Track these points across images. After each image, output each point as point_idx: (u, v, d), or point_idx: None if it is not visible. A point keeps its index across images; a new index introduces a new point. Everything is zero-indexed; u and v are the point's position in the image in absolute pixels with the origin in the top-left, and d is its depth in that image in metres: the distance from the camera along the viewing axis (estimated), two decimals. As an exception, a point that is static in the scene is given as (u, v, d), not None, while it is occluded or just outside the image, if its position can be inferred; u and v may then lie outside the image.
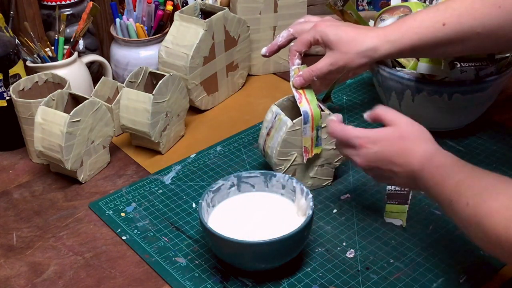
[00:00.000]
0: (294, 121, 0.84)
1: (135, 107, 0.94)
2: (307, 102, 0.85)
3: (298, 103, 0.84)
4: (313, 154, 0.87)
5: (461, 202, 0.63)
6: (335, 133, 0.76)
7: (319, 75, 0.83)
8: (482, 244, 0.62)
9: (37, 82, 0.98)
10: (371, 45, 0.81)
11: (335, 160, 0.89)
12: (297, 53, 0.86)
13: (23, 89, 0.96)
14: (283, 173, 0.85)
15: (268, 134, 0.87)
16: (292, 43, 0.87)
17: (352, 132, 0.74)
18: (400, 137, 0.72)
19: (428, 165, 0.69)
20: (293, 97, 0.86)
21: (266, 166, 0.96)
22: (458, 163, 0.68)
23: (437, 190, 0.67)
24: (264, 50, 0.91)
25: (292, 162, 0.87)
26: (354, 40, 0.81)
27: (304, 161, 0.87)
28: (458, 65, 0.89)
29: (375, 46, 0.81)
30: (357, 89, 1.15)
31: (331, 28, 0.83)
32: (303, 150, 0.86)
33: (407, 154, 0.71)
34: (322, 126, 0.85)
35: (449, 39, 0.79)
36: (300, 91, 0.86)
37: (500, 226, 0.58)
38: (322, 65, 0.83)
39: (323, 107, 0.86)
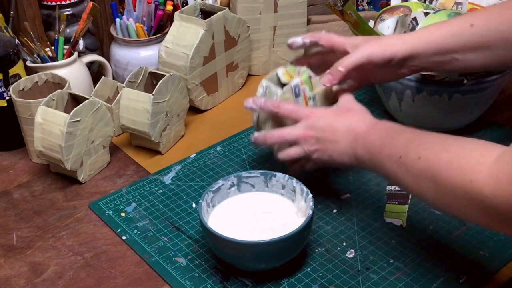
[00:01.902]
0: (284, 88, 0.84)
1: (135, 107, 0.94)
2: (298, 76, 0.85)
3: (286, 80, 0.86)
4: None
5: (411, 156, 0.64)
6: (284, 106, 0.81)
7: (347, 66, 0.80)
8: (436, 197, 0.63)
9: (37, 82, 0.98)
10: (398, 39, 0.82)
11: None
12: (317, 43, 0.86)
13: (23, 89, 0.96)
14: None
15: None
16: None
17: (302, 107, 0.82)
18: (346, 109, 0.79)
19: (373, 129, 0.73)
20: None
21: (266, 166, 0.96)
22: (402, 126, 0.72)
23: (383, 150, 0.69)
24: (299, 40, 0.87)
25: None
26: (382, 38, 0.85)
27: None
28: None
29: (403, 40, 0.80)
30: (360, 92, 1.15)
31: (361, 38, 0.86)
32: None
33: (351, 121, 0.76)
34: (314, 95, 0.85)
35: (476, 42, 0.78)
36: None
37: (457, 176, 0.59)
38: (349, 57, 0.81)
39: (313, 75, 0.85)
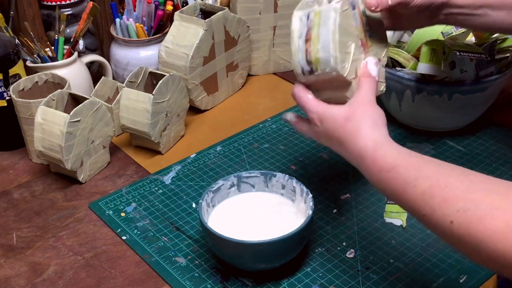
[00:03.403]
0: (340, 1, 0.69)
1: (135, 107, 0.94)
2: None
3: None
4: (369, 46, 0.73)
5: (439, 219, 0.56)
6: (299, 99, 0.73)
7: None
8: (485, 262, 0.54)
9: (37, 82, 0.98)
10: None
11: (383, 55, 0.76)
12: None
13: (23, 89, 0.96)
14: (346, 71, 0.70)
15: (307, 40, 0.70)
16: None
17: (309, 104, 0.72)
18: (345, 118, 0.68)
19: (371, 165, 0.64)
20: None
21: (266, 166, 0.96)
22: (410, 160, 0.62)
23: (398, 200, 0.61)
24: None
25: (352, 56, 0.70)
26: None
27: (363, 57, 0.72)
28: (458, 53, 0.88)
29: None
30: (357, 89, 1.15)
31: None
32: (359, 43, 0.71)
33: (349, 141, 0.67)
34: (364, 9, 0.72)
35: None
36: None
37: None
38: None
39: None
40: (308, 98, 0.72)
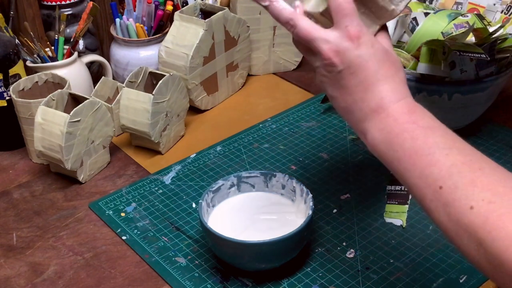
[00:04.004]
0: None
1: (135, 107, 0.94)
2: None
3: None
4: None
5: (458, 197, 0.50)
6: (298, 28, 0.60)
7: None
8: (473, 254, 0.50)
9: (37, 82, 0.98)
10: None
11: None
12: None
13: (23, 89, 0.96)
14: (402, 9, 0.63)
15: None
16: None
17: (319, 32, 0.59)
18: (392, 61, 0.59)
19: (407, 113, 0.56)
20: None
21: (266, 166, 0.96)
22: (448, 131, 0.55)
23: (414, 157, 0.54)
24: None
25: None
26: None
27: None
28: (458, 53, 0.88)
29: None
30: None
31: None
32: None
33: (387, 83, 0.58)
34: None
35: None
36: None
37: None
38: None
39: None
40: (315, 26, 0.60)
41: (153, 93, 0.94)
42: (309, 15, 0.63)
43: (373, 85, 0.58)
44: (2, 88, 0.97)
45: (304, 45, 0.62)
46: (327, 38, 0.59)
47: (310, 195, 0.77)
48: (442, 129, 0.56)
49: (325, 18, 0.63)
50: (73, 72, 1.03)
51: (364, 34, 0.59)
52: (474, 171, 0.51)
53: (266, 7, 0.63)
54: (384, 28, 0.64)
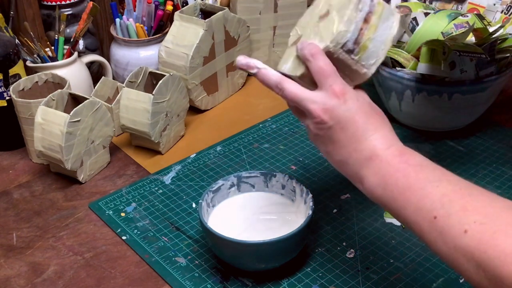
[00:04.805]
0: (397, 11, 0.68)
1: (135, 107, 0.94)
2: None
3: None
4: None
5: (452, 223, 0.52)
6: (319, 60, 0.63)
7: None
8: (485, 280, 0.50)
9: (37, 82, 0.98)
10: None
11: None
12: None
13: (23, 89, 0.96)
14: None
15: (366, 20, 0.64)
16: None
17: (305, 93, 0.64)
18: (378, 112, 0.64)
19: (398, 156, 0.59)
20: None
21: (266, 166, 0.96)
22: (436, 166, 0.59)
23: (408, 195, 0.57)
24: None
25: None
26: None
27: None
28: (458, 53, 0.88)
29: None
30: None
31: None
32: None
33: (375, 133, 0.62)
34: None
35: None
36: None
37: None
38: None
39: None
40: (302, 89, 0.65)
41: (153, 93, 0.94)
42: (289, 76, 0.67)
43: (364, 135, 0.62)
44: (2, 88, 0.97)
45: (294, 106, 0.67)
46: (314, 99, 0.63)
47: (310, 195, 0.77)
48: (431, 165, 0.60)
49: (303, 81, 0.67)
50: (73, 72, 1.03)
51: (348, 91, 0.63)
52: (463, 197, 0.54)
53: (255, 74, 0.69)
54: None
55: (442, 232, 0.53)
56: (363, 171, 0.62)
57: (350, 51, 0.65)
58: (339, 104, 0.62)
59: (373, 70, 0.67)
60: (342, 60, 0.65)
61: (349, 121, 0.62)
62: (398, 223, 0.84)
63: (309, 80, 0.66)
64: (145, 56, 1.12)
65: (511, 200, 0.54)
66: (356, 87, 0.67)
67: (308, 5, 1.19)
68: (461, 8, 1.01)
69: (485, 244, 0.50)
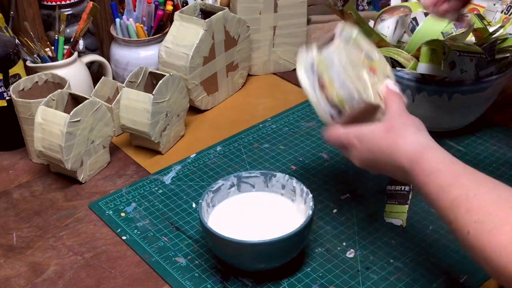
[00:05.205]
0: (339, 35, 0.71)
1: (135, 107, 0.94)
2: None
3: None
4: (376, 69, 0.74)
5: (460, 228, 0.57)
6: (327, 138, 0.74)
7: None
8: (492, 274, 0.55)
9: (37, 82, 0.98)
10: None
11: (388, 71, 0.75)
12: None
13: (23, 89, 0.96)
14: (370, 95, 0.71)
15: (321, 87, 0.71)
16: None
17: (340, 131, 0.71)
18: (386, 130, 0.67)
19: (416, 168, 0.63)
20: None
21: (266, 166, 0.96)
22: (451, 168, 0.62)
23: (432, 203, 0.62)
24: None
25: (369, 81, 0.72)
26: None
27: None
28: (458, 53, 0.88)
29: None
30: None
31: None
32: (368, 69, 0.72)
33: (394, 151, 0.66)
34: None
35: None
36: None
37: None
38: None
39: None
40: (337, 129, 0.72)
41: (153, 93, 0.94)
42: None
43: (390, 166, 0.69)
44: (2, 88, 0.97)
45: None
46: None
47: (310, 195, 0.77)
48: (444, 167, 0.62)
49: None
50: (73, 72, 1.03)
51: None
52: (468, 199, 0.57)
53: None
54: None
55: (456, 235, 0.58)
56: (408, 179, 0.67)
57: (340, 113, 0.71)
58: (358, 151, 0.71)
59: (370, 95, 0.70)
60: (347, 120, 0.71)
61: (372, 160, 0.70)
62: (398, 223, 0.84)
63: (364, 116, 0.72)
64: (145, 56, 1.12)
65: None
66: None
67: (308, 5, 1.20)
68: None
69: (483, 241, 0.53)
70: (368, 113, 0.71)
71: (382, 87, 0.72)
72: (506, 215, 0.53)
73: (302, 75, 0.73)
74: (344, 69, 0.69)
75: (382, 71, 0.74)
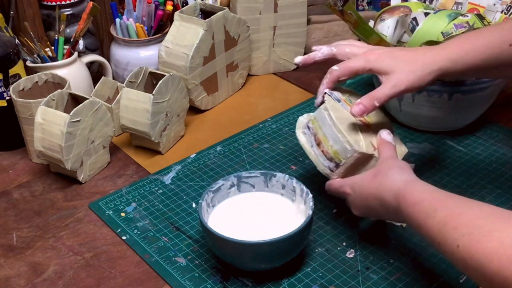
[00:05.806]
0: (326, 97, 0.79)
1: (135, 107, 0.94)
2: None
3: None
4: (370, 122, 0.81)
5: (449, 244, 0.58)
6: (327, 190, 0.81)
7: (383, 101, 0.75)
8: (483, 282, 0.56)
9: (37, 82, 0.98)
10: (432, 64, 0.75)
11: (387, 126, 0.82)
12: (337, 79, 0.79)
13: (23, 89, 0.96)
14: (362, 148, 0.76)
15: (318, 144, 0.79)
16: (335, 67, 0.79)
17: (337, 183, 0.78)
18: (373, 175, 0.73)
19: (403, 201, 0.67)
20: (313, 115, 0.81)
21: (266, 166, 0.96)
22: (434, 195, 0.64)
23: (421, 232, 0.64)
24: (299, 60, 0.84)
25: (361, 133, 0.78)
26: (414, 60, 0.75)
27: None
28: None
29: (437, 65, 0.75)
30: (357, 89, 1.15)
31: (385, 55, 0.77)
32: (360, 122, 0.79)
33: (381, 191, 0.70)
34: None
35: None
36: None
37: (506, 269, 0.52)
38: (384, 90, 0.75)
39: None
40: (334, 181, 0.79)
41: (153, 93, 0.94)
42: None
43: (380, 207, 0.73)
44: (2, 88, 0.97)
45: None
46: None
47: (310, 195, 0.77)
48: (428, 195, 0.65)
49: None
50: (73, 72, 1.03)
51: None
52: (454, 218, 0.59)
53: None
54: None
55: (446, 254, 0.60)
56: (399, 218, 0.70)
57: (337, 165, 0.77)
58: (352, 198, 0.77)
59: (363, 146, 0.76)
60: (346, 170, 0.77)
61: (364, 206, 0.75)
62: (398, 223, 0.84)
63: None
64: (145, 56, 1.12)
65: (500, 208, 0.58)
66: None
67: (308, 5, 1.20)
68: (461, 8, 1.01)
69: (473, 250, 0.55)
70: (363, 163, 0.77)
71: (377, 137, 0.78)
72: (493, 224, 0.55)
73: (300, 135, 0.81)
74: (334, 125, 0.76)
75: (378, 125, 0.81)
